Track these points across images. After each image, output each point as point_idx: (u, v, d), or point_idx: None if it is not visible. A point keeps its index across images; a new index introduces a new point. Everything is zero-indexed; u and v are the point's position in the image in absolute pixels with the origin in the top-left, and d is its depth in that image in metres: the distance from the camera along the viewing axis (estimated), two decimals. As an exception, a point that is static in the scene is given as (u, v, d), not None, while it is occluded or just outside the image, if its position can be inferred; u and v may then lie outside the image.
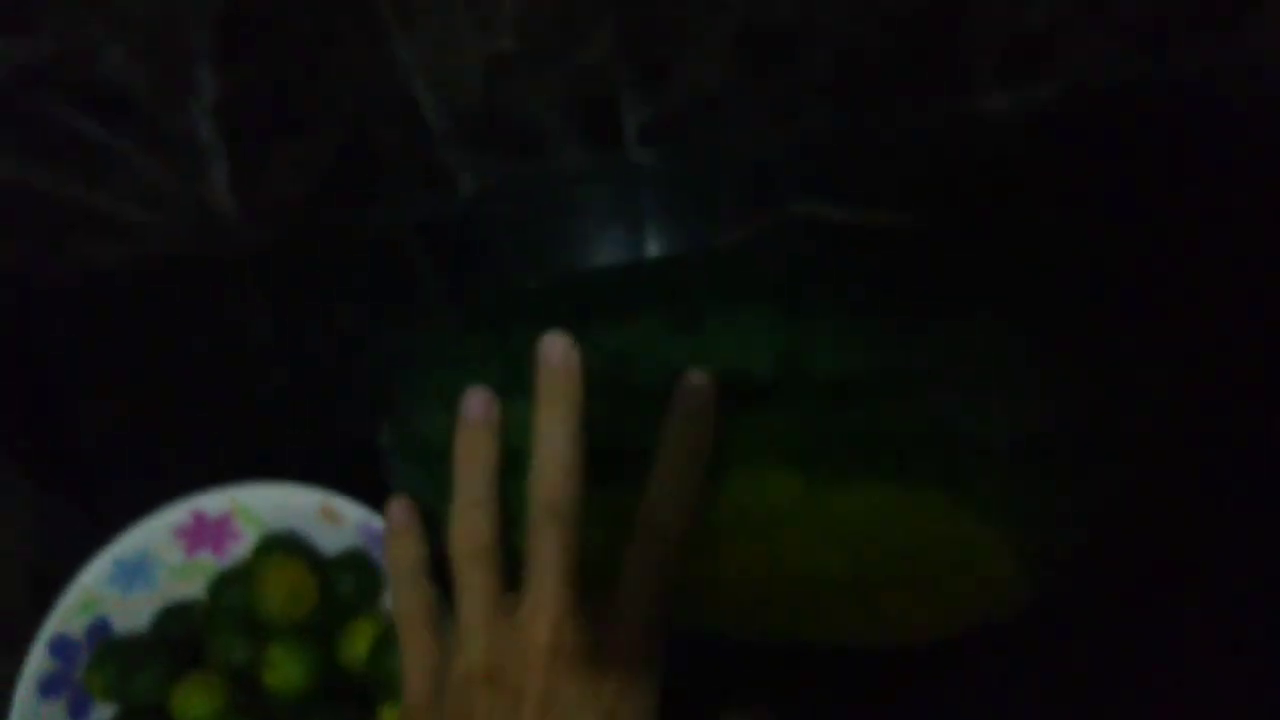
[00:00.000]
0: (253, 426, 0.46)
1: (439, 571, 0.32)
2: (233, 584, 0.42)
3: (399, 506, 0.33)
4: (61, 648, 0.40)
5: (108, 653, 0.41)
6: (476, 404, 0.30)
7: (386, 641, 0.40)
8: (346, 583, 0.41)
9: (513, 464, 0.30)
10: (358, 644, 0.41)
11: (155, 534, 0.41)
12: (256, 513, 0.42)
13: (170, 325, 0.48)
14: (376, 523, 0.40)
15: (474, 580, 0.29)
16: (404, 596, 0.31)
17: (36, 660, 0.39)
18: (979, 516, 0.28)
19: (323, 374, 0.47)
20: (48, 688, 0.40)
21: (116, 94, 0.43)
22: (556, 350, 0.29)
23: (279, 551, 0.41)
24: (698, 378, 0.28)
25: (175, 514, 0.41)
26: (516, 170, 0.50)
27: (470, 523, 0.30)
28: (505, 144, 0.48)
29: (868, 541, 0.29)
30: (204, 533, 0.42)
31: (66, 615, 0.40)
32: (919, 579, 0.29)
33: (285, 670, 0.40)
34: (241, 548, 0.42)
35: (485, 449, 0.30)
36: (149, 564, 0.42)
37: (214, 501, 0.41)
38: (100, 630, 0.41)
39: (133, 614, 0.42)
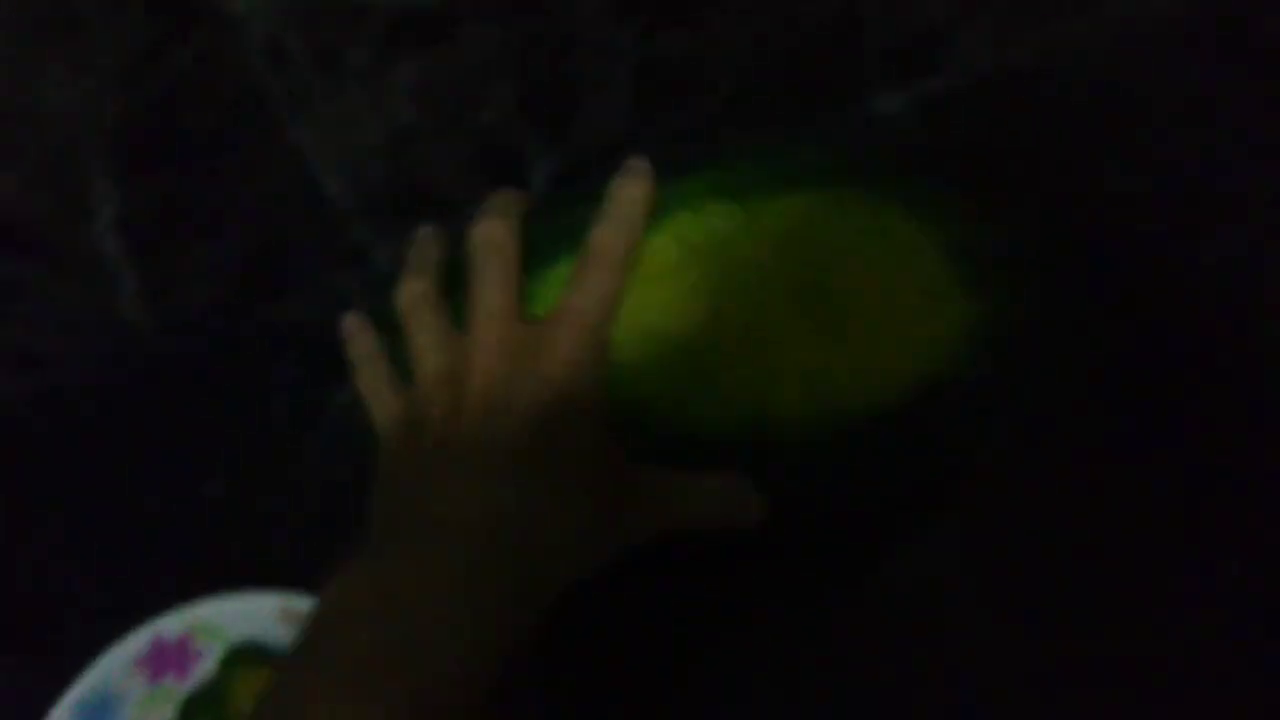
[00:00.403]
0: (198, 538, 0.45)
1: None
2: (202, 705, 0.40)
3: (351, 319, 0.38)
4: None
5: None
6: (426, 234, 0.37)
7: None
8: (320, 683, 0.40)
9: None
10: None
11: (114, 669, 0.40)
12: (216, 627, 0.40)
13: (96, 450, 0.47)
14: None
15: (424, 319, 0.33)
16: (365, 372, 0.36)
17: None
18: (901, 214, 0.32)
19: (262, 472, 0.46)
20: None
21: (16, 224, 0.42)
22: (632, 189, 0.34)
23: (244, 663, 0.39)
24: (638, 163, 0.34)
25: (132, 644, 0.40)
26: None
27: (414, 280, 0.34)
28: (415, 211, 0.48)
29: (806, 249, 0.31)
30: (165, 658, 0.40)
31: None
32: (861, 289, 0.31)
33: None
34: (205, 666, 0.41)
35: (434, 247, 0.37)
36: (113, 701, 0.40)
37: (171, 624, 0.40)
38: (73, 780, 0.39)
39: (103, 757, 0.40)
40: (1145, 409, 0.39)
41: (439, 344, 0.33)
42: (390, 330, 0.36)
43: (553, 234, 0.34)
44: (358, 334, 0.37)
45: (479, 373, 0.31)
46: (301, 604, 0.39)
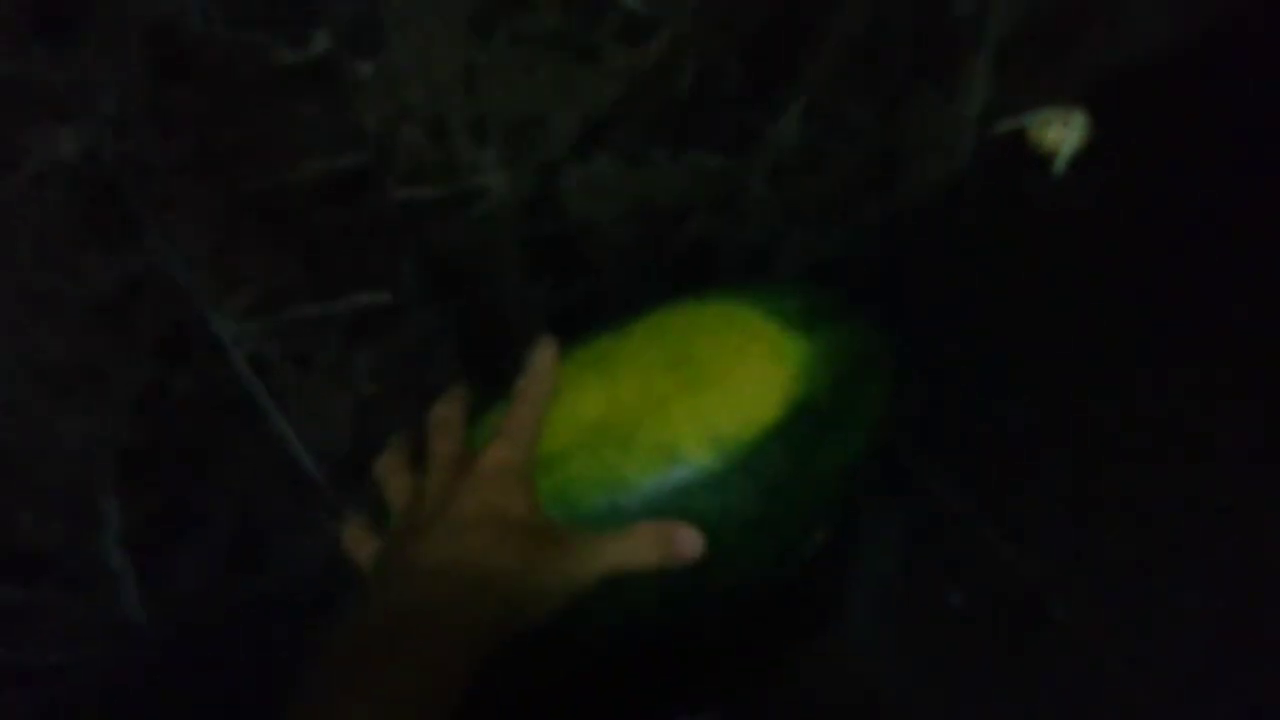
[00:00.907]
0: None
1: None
2: None
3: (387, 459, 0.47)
4: None
5: None
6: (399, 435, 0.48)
7: None
8: None
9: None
10: None
11: None
12: None
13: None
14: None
15: (395, 481, 0.45)
16: (390, 454, 0.47)
17: None
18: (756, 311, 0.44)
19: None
20: None
21: (32, 553, 0.45)
22: (545, 354, 0.45)
23: None
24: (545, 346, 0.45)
25: None
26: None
27: (390, 454, 0.47)
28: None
29: (668, 339, 0.44)
30: None
31: None
32: (716, 350, 0.43)
33: None
34: None
35: (405, 439, 0.47)
36: None
37: None
38: None
39: None
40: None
41: (407, 487, 0.44)
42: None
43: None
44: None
45: (435, 484, 0.42)
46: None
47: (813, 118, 0.56)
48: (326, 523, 0.54)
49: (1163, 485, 0.51)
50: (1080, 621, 0.48)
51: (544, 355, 0.44)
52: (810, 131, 0.57)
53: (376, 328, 0.50)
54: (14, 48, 0.34)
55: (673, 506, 0.39)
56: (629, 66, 0.47)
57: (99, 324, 0.41)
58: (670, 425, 0.40)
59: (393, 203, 0.47)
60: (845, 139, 0.60)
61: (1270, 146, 0.63)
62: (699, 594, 0.42)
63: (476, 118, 0.45)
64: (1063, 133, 0.65)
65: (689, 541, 0.39)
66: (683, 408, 0.40)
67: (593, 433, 0.41)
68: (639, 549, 0.39)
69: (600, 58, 0.46)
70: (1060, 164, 0.65)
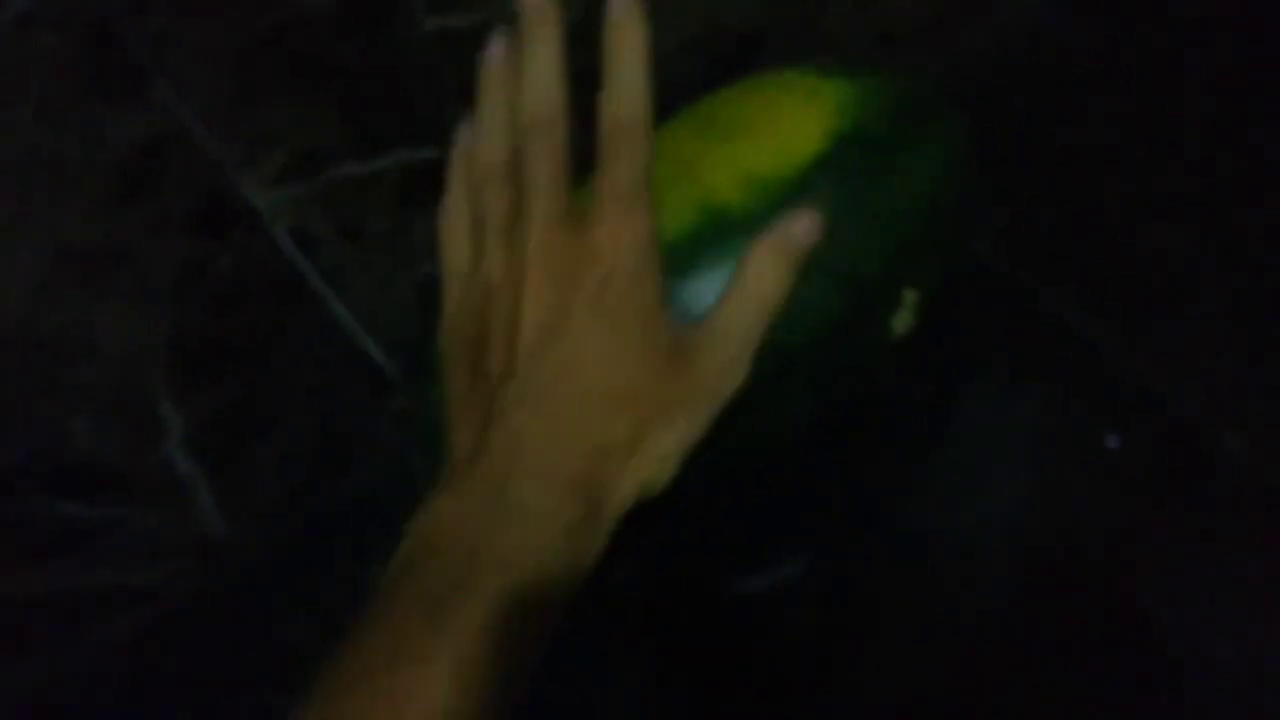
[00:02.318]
0: None
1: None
2: None
3: (465, 127, 0.34)
4: None
5: None
6: (497, 47, 0.32)
7: None
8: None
9: None
10: None
11: None
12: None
13: (203, 668, 0.46)
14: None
15: (490, 198, 0.32)
16: (453, 209, 0.34)
17: None
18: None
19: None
20: None
21: (93, 464, 0.42)
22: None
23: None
24: None
25: None
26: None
27: (488, 147, 0.32)
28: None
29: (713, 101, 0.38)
30: None
31: None
32: (755, 105, 0.37)
33: None
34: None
35: (506, 88, 0.32)
36: None
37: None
38: None
39: None
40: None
41: (501, 234, 0.32)
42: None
43: None
44: (464, 153, 0.35)
45: (532, 287, 0.30)
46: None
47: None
48: (404, 421, 0.50)
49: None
50: (1256, 459, 0.40)
51: (627, 42, 0.30)
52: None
53: (430, 191, 0.45)
54: None
55: (717, 263, 0.33)
56: None
57: (118, 194, 0.37)
58: (700, 179, 0.35)
59: (425, 35, 0.41)
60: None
61: None
62: (783, 371, 0.35)
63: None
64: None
65: (803, 223, 0.31)
66: (711, 160, 0.35)
67: None
68: (763, 277, 0.30)
69: None
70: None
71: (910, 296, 0.39)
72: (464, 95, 0.44)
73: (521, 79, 0.31)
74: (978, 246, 0.49)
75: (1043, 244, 0.49)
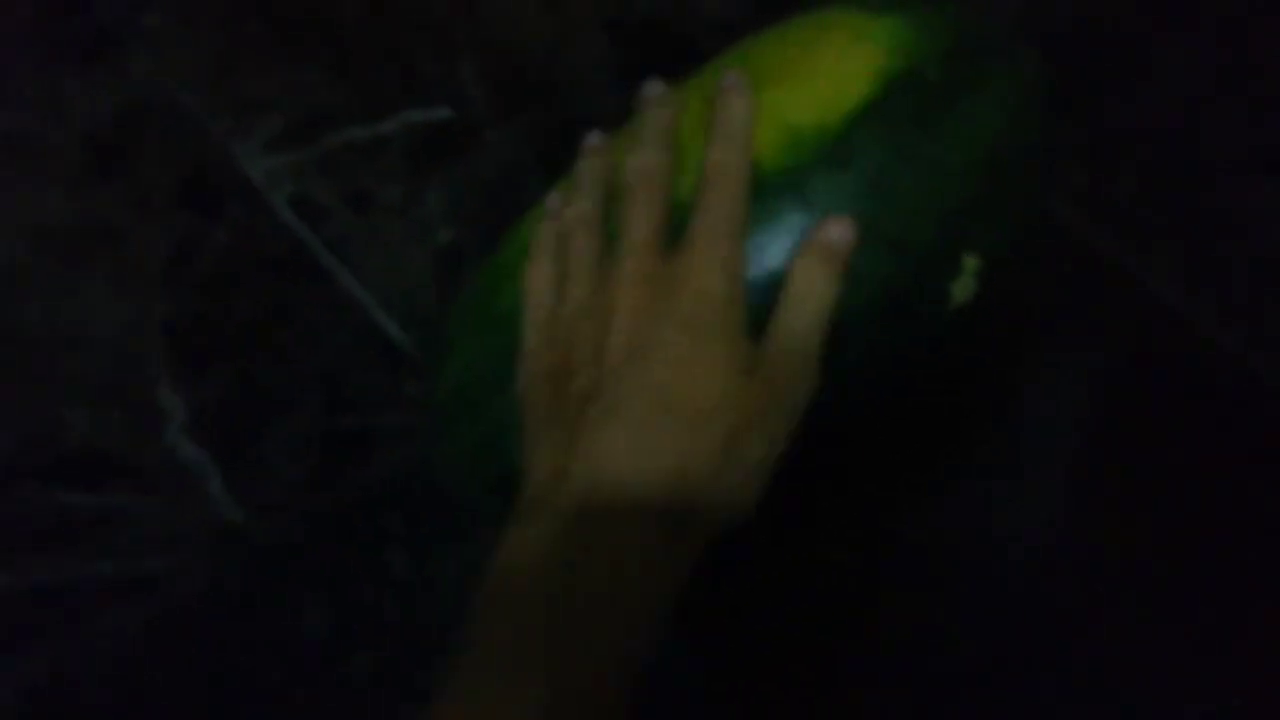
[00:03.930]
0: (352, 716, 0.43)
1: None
2: None
3: (555, 194, 0.35)
4: None
5: None
6: (595, 139, 0.35)
7: None
8: None
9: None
10: None
11: None
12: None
13: (216, 657, 0.45)
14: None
15: (579, 242, 0.33)
16: (539, 260, 0.34)
17: None
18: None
19: (397, 631, 0.44)
20: None
21: (96, 454, 0.40)
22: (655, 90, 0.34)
23: None
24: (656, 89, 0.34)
25: None
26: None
27: (581, 204, 0.33)
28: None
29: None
30: None
31: None
32: (796, 48, 0.33)
33: None
34: None
35: (602, 158, 0.34)
36: None
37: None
38: None
39: None
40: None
41: (588, 273, 0.33)
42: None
43: None
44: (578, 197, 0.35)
45: (622, 313, 0.31)
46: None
47: None
48: (423, 400, 0.47)
49: None
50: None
51: (735, 107, 0.33)
52: None
53: (442, 154, 0.42)
54: None
55: (751, 227, 0.31)
56: None
57: (94, 170, 0.34)
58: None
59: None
60: None
61: None
62: (837, 341, 0.32)
63: None
64: None
65: (836, 228, 0.31)
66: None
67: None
68: (812, 285, 0.30)
69: None
70: None
71: (972, 263, 0.34)
72: (476, 51, 0.40)
73: (631, 144, 0.33)
74: (1051, 208, 0.44)
75: (1125, 207, 0.44)
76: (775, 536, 0.39)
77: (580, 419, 0.30)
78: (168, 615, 0.45)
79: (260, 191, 0.38)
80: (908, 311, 0.33)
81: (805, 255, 0.31)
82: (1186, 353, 0.41)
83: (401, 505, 0.46)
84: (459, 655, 0.27)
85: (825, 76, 0.32)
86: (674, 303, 0.30)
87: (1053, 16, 0.49)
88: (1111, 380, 0.42)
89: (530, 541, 0.29)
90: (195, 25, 0.34)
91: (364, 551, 0.46)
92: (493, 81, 0.40)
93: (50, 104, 0.33)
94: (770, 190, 0.31)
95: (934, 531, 0.40)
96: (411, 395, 0.47)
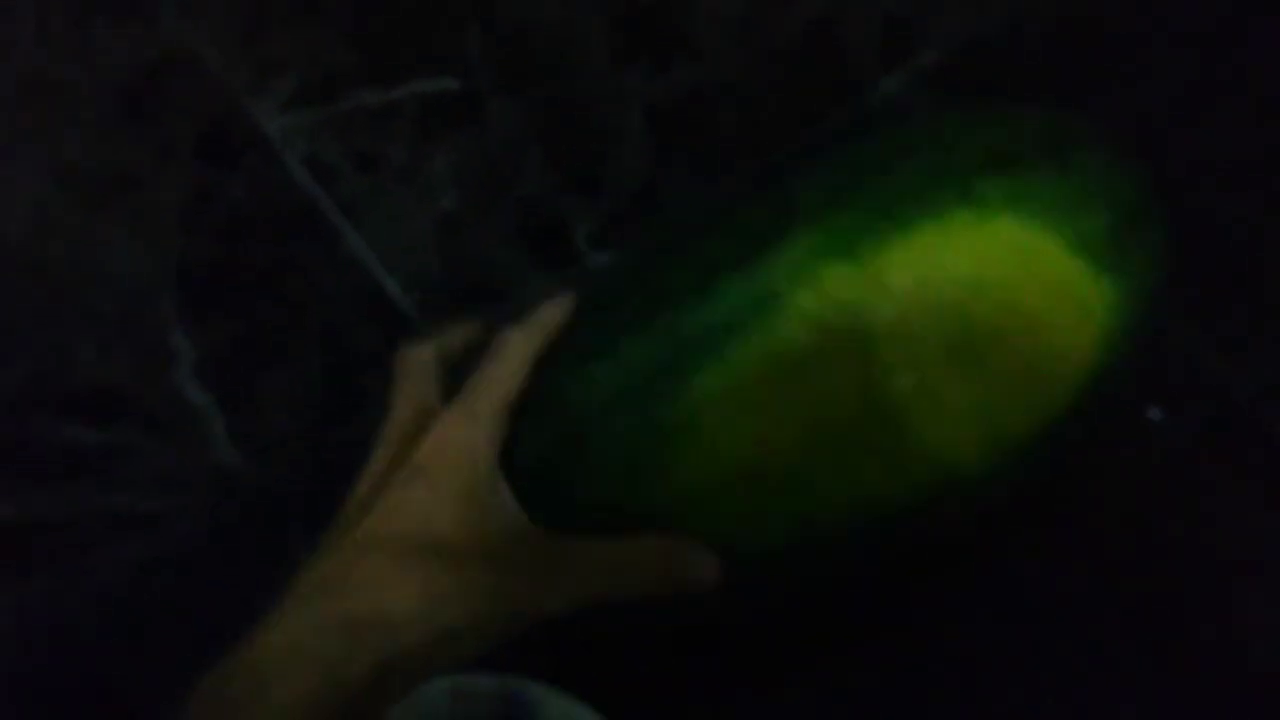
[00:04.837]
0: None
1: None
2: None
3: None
4: None
5: None
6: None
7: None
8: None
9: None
10: None
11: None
12: None
13: (210, 596, 0.46)
14: (512, 686, 0.38)
15: (408, 386, 0.33)
16: (403, 375, 0.33)
17: None
18: (1014, 222, 0.29)
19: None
20: None
21: (103, 390, 0.42)
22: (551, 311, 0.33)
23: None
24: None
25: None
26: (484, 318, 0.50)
27: (424, 346, 0.33)
28: (469, 296, 0.49)
29: (938, 298, 0.28)
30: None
31: None
32: (997, 310, 0.28)
33: None
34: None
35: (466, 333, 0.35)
36: None
37: None
38: None
39: None
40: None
41: (405, 415, 0.33)
42: None
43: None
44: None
45: (378, 456, 0.32)
46: (473, 684, 0.38)
47: None
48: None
49: None
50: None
51: (552, 311, 0.33)
52: None
53: (449, 123, 0.44)
54: None
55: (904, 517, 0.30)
56: None
57: (122, 117, 0.36)
58: (943, 425, 0.29)
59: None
60: None
61: None
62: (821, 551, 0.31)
63: None
64: None
65: (706, 568, 0.30)
66: (961, 401, 0.29)
67: (844, 429, 0.29)
68: (646, 570, 0.30)
69: None
70: None
71: None
72: (483, 24, 0.42)
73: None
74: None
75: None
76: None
77: (354, 554, 0.31)
78: (165, 553, 0.47)
79: (275, 148, 0.40)
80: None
81: (668, 554, 0.30)
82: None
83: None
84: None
85: (1044, 380, 0.29)
86: (418, 450, 0.31)
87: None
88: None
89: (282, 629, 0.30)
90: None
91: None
92: (500, 57, 0.43)
93: (84, 53, 0.35)
94: (949, 490, 0.30)
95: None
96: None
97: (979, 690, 0.37)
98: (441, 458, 0.30)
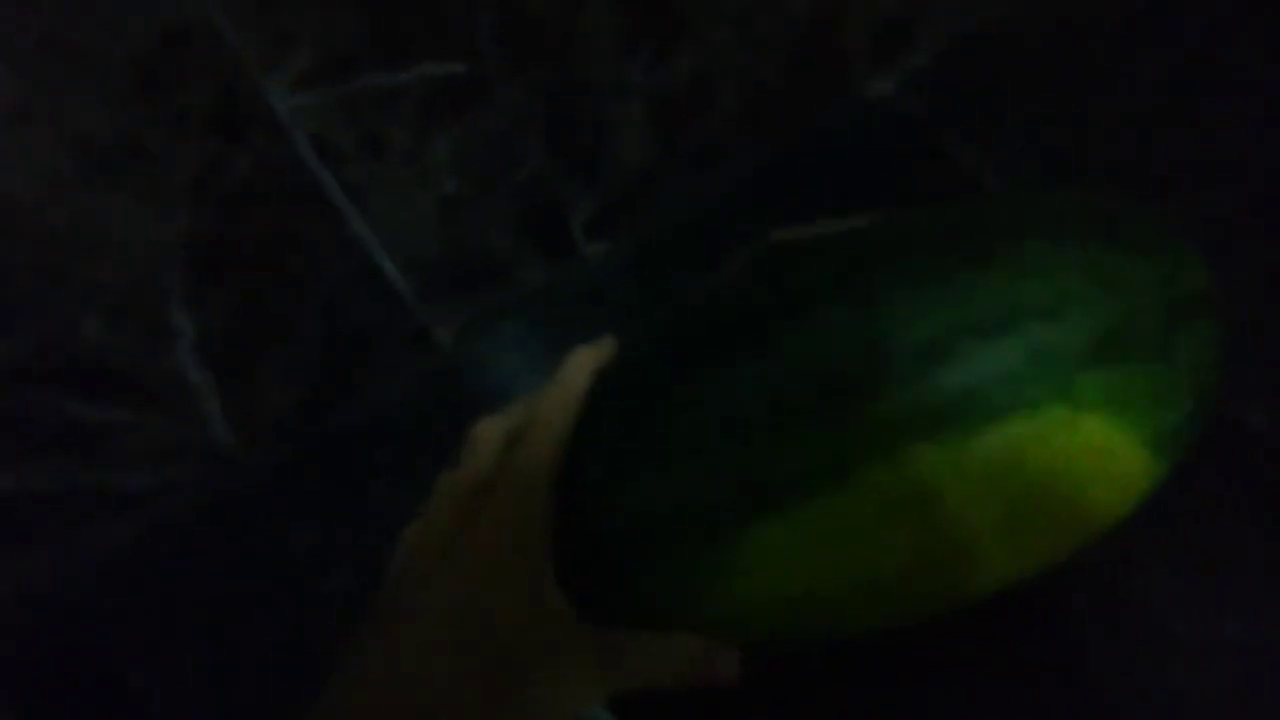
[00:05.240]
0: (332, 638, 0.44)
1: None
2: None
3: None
4: None
5: None
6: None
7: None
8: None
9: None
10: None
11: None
12: None
13: (202, 574, 0.46)
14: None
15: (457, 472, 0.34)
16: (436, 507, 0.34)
17: None
18: (1101, 421, 0.29)
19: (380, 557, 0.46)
20: None
21: (104, 366, 0.42)
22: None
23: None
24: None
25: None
26: (483, 304, 0.50)
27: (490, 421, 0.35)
28: (468, 282, 0.49)
29: (1011, 480, 0.29)
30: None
31: None
32: (1062, 500, 0.29)
33: None
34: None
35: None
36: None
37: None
38: None
39: None
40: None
41: (466, 484, 0.34)
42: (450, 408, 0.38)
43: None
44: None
45: (430, 536, 0.33)
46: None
47: None
48: (416, 341, 0.49)
49: None
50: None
51: (582, 359, 0.35)
52: None
53: (454, 107, 0.44)
54: None
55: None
56: None
57: (136, 87, 0.36)
58: (980, 575, 0.30)
59: (457, -59, 0.40)
60: None
61: None
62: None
63: None
64: None
65: (729, 667, 0.32)
66: (1002, 555, 0.30)
67: (891, 580, 0.30)
68: (670, 666, 0.31)
69: None
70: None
71: None
72: (498, 6, 0.43)
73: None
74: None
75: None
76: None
77: (390, 630, 0.31)
78: (156, 531, 0.47)
79: (283, 125, 0.40)
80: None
81: (700, 652, 0.32)
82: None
83: (391, 440, 0.48)
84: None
85: (1078, 535, 0.31)
86: (472, 535, 0.31)
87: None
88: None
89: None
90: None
91: (351, 481, 0.48)
92: (507, 41, 0.43)
93: (104, 22, 0.35)
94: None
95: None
96: (406, 334, 0.49)
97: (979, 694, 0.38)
98: (504, 536, 0.31)
